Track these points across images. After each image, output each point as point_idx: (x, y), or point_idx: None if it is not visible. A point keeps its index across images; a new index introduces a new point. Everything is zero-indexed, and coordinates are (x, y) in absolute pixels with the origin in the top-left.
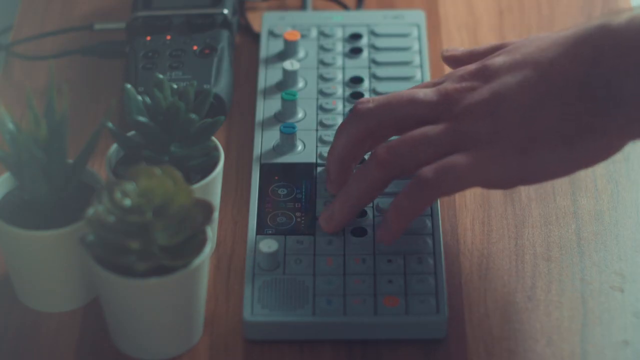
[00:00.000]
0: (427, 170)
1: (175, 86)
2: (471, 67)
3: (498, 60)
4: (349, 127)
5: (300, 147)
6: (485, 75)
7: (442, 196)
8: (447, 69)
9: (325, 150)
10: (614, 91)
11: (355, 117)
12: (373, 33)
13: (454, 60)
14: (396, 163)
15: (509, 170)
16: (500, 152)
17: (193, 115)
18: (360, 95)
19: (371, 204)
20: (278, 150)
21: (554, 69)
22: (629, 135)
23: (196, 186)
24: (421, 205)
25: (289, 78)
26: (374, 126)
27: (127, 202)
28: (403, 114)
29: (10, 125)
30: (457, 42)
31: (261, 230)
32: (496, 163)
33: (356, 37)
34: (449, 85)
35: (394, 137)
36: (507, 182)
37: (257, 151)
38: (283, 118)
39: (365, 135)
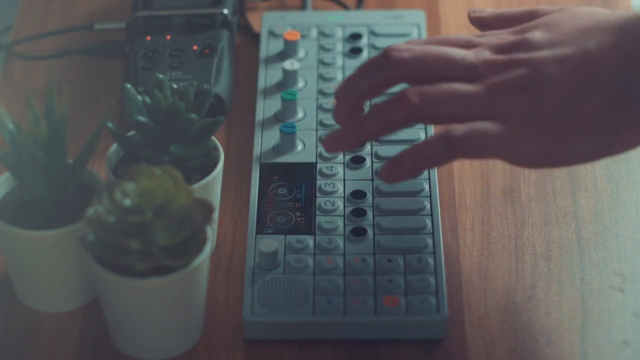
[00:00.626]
0: (458, 129)
1: (175, 86)
2: (510, 37)
3: (538, 35)
4: (376, 70)
5: (300, 147)
6: (527, 50)
7: (464, 158)
8: None
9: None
10: None
11: (386, 63)
12: (373, 33)
13: (482, 23)
14: (424, 109)
15: (538, 151)
16: (533, 133)
17: (193, 115)
18: None
19: (371, 204)
20: (278, 150)
21: (597, 54)
22: None
23: (196, 186)
24: (441, 160)
25: (289, 78)
26: (405, 77)
27: (127, 202)
28: (437, 71)
29: (10, 125)
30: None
31: (261, 230)
32: (527, 142)
33: (356, 37)
34: (487, 54)
35: None
36: (532, 162)
37: (257, 151)
38: (283, 118)
39: (393, 83)
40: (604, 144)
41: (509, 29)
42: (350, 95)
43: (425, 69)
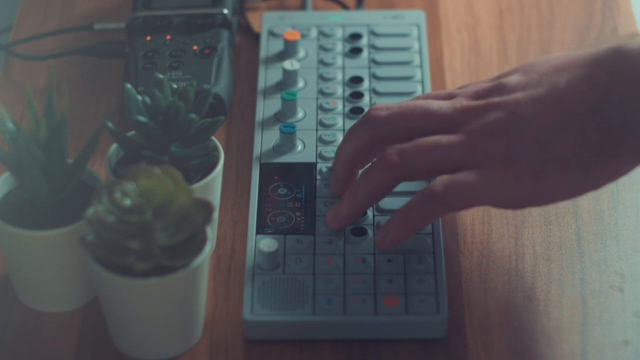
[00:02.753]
0: (437, 185)
1: (175, 86)
2: (486, 84)
3: (514, 78)
4: (359, 132)
5: (300, 147)
6: (502, 93)
7: (450, 212)
8: (447, 69)
9: (325, 150)
10: (628, 118)
11: (367, 123)
12: (373, 33)
13: None
14: (405, 167)
15: (521, 192)
16: (513, 174)
17: (193, 115)
18: (360, 95)
19: None
20: (278, 150)
21: (570, 91)
22: None
23: (196, 186)
24: (427, 218)
25: (289, 78)
26: (386, 134)
27: (127, 202)
28: (416, 125)
29: (10, 125)
30: (457, 42)
31: (261, 230)
32: (508, 184)
33: (356, 37)
34: (464, 101)
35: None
36: (517, 203)
37: (257, 151)
38: (283, 118)
39: (376, 141)
40: (585, 178)
41: (489, 78)
42: (340, 162)
43: (404, 124)
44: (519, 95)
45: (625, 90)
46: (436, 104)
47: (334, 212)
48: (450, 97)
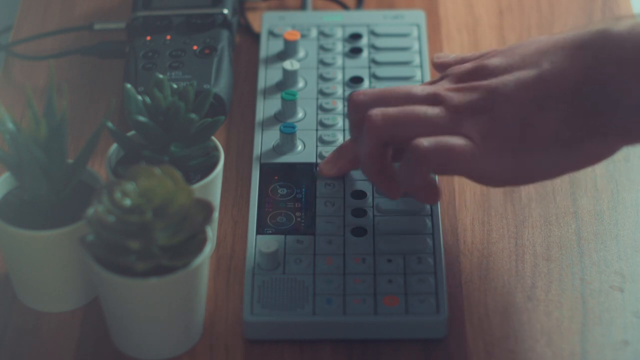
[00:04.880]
0: (423, 140)
1: (175, 86)
2: (468, 66)
3: (495, 60)
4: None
5: (300, 147)
6: (483, 74)
7: (434, 172)
8: None
9: (325, 150)
10: (611, 97)
11: (350, 106)
12: (373, 33)
13: (445, 67)
14: (389, 128)
15: (501, 167)
16: (496, 147)
17: (193, 115)
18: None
19: (371, 204)
20: (278, 150)
21: (553, 71)
22: (624, 140)
23: (196, 186)
24: (412, 178)
25: (289, 78)
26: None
27: (127, 202)
28: (398, 103)
29: (10, 125)
30: (457, 42)
31: (261, 230)
32: (489, 158)
33: (356, 37)
34: (445, 84)
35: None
36: (499, 178)
37: (257, 151)
38: (283, 118)
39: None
40: (566, 157)
41: (470, 59)
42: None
43: (386, 104)
44: (502, 77)
45: (609, 70)
46: (418, 88)
47: (330, 164)
48: (433, 81)
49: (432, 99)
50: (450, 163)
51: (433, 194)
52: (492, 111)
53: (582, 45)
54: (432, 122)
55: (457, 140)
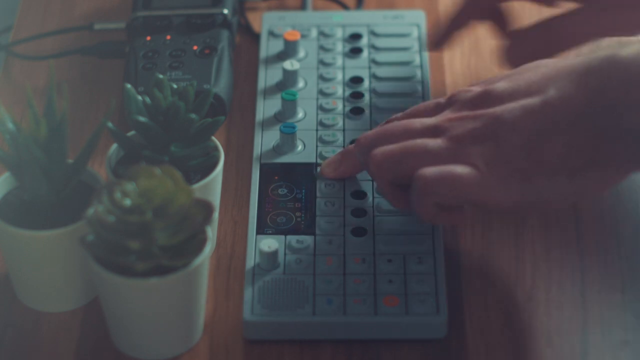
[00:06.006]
0: (426, 170)
1: (175, 86)
2: (473, 93)
3: (500, 85)
4: (348, 157)
5: (300, 147)
6: (488, 101)
7: (441, 201)
8: (447, 69)
9: (325, 150)
10: (618, 124)
11: (355, 147)
12: (373, 33)
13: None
14: (390, 165)
15: (510, 194)
16: (501, 175)
17: (193, 115)
18: (361, 95)
19: (371, 204)
20: (278, 150)
21: (559, 98)
22: (632, 168)
23: (196, 186)
24: (421, 207)
25: (289, 78)
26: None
27: (127, 202)
28: (400, 139)
29: (10, 125)
30: (457, 42)
31: (261, 230)
32: (497, 185)
33: (356, 37)
34: (448, 114)
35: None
36: (506, 206)
37: (257, 151)
38: (283, 118)
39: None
40: (572, 185)
41: (477, 84)
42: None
43: (388, 140)
44: (506, 103)
45: (615, 96)
46: (420, 121)
47: (332, 166)
48: (436, 108)
49: (432, 131)
50: (455, 192)
51: (453, 219)
52: (496, 139)
53: (589, 70)
54: (434, 154)
55: (461, 169)
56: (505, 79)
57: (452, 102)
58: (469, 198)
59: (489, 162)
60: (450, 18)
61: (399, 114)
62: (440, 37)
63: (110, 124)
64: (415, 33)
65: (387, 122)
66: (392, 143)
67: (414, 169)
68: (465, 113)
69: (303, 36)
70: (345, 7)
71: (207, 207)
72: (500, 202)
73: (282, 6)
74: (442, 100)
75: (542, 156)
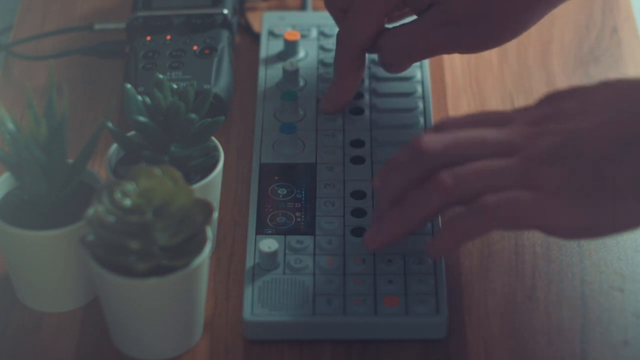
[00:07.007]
0: (490, 198)
1: (175, 86)
2: (543, 110)
3: (571, 104)
4: (410, 166)
5: (300, 147)
6: (560, 120)
7: (499, 229)
8: (447, 69)
9: (325, 150)
10: None
11: (420, 158)
12: None
13: None
14: (459, 191)
15: (576, 221)
16: (570, 202)
17: (193, 115)
18: (360, 95)
19: (371, 204)
20: (278, 150)
21: (631, 120)
22: None
23: (196, 186)
24: (474, 232)
25: (289, 78)
26: (439, 166)
27: (127, 202)
28: (471, 155)
29: (10, 125)
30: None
31: (261, 230)
32: (562, 211)
33: None
34: (520, 129)
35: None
36: (571, 232)
37: (257, 151)
38: (283, 118)
39: (428, 175)
40: None
41: (541, 100)
42: (389, 192)
43: (459, 156)
44: (577, 121)
45: None
46: (492, 135)
47: (376, 232)
48: (504, 119)
49: (507, 147)
50: (518, 218)
51: (442, 251)
52: (566, 162)
53: None
54: (504, 177)
55: (524, 195)
56: (574, 98)
57: (520, 117)
58: (534, 223)
59: (557, 187)
60: (337, 87)
61: (459, 117)
62: (334, 104)
63: (110, 124)
64: None
65: (443, 124)
66: (462, 157)
67: (479, 192)
68: (535, 129)
69: (303, 36)
70: None
71: (207, 207)
72: (566, 227)
73: (282, 6)
74: (507, 112)
75: (612, 180)
